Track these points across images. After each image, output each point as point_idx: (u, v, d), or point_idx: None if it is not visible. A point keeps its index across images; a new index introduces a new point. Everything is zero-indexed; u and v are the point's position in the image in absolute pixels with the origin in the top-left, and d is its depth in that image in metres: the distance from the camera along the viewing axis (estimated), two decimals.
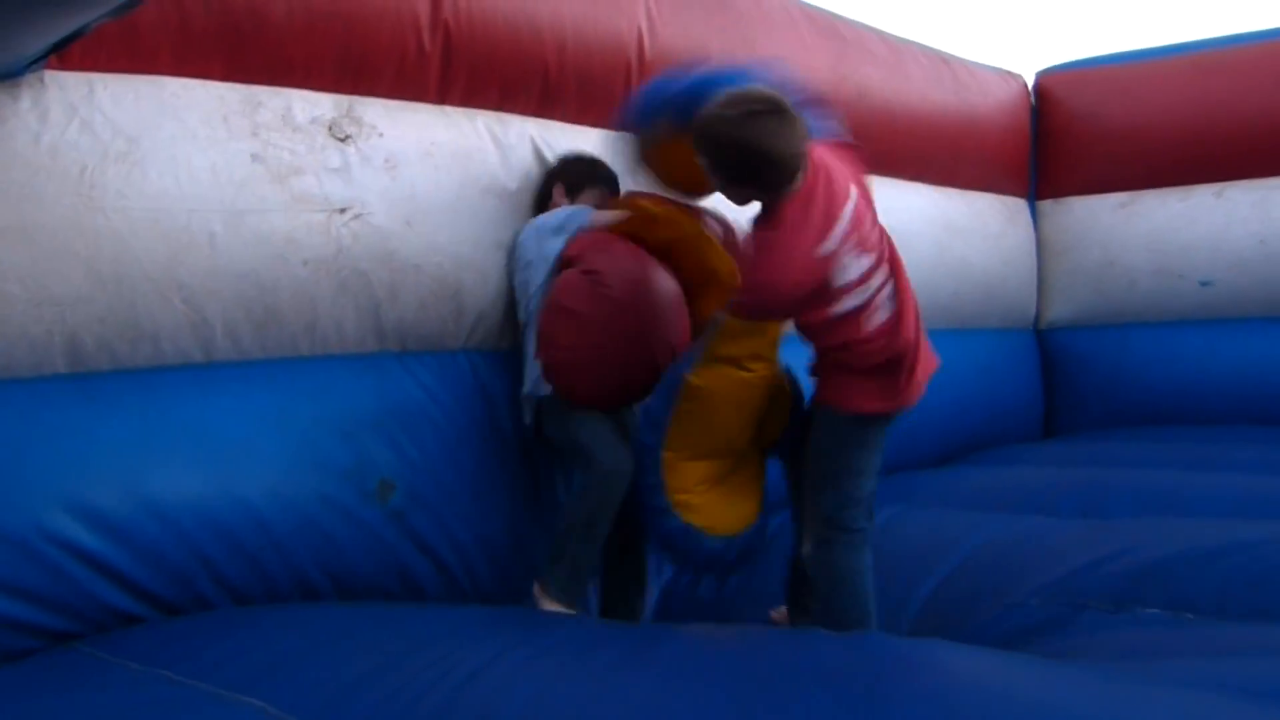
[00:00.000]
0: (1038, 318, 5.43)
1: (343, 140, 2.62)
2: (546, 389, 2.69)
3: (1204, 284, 5.01)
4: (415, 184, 2.73)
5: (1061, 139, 5.37)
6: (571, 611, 2.48)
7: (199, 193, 2.33)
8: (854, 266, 2.30)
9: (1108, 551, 2.63)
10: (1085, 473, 3.81)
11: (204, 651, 1.92)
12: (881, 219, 3.90)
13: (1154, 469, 3.79)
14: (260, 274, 2.43)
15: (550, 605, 2.48)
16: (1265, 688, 1.64)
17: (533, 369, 2.74)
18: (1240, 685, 1.67)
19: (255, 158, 2.43)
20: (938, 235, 4.56)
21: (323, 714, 1.60)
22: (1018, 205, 5.30)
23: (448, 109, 2.87)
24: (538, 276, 2.77)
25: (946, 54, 4.83)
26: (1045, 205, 5.46)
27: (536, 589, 2.53)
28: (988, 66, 5.11)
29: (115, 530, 2.17)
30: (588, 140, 3.12)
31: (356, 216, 2.61)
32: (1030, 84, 5.43)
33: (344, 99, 2.65)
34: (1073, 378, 5.31)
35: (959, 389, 4.61)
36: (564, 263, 2.70)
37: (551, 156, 3.05)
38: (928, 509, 3.42)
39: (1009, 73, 5.26)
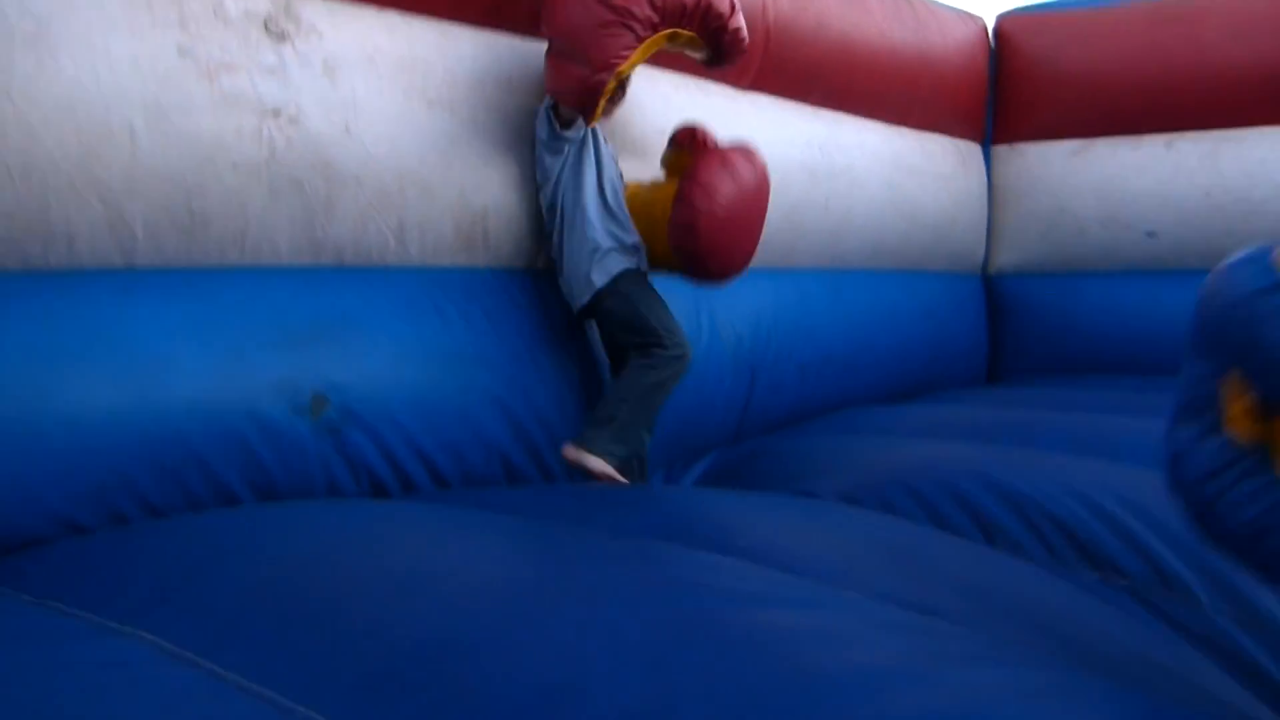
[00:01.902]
0: (986, 263, 5.37)
1: (279, 38, 2.43)
2: (623, 265, 2.87)
3: (1149, 235, 4.97)
4: (356, 90, 2.56)
5: (1018, 83, 5.27)
6: (610, 472, 2.69)
7: (118, 84, 2.14)
8: None
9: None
10: (1023, 413, 3.77)
11: (102, 576, 1.77)
12: (835, 155, 3.91)
13: (1091, 413, 3.76)
14: (186, 176, 2.25)
15: (594, 461, 2.68)
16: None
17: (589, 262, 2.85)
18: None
19: (182, 51, 2.24)
20: (889, 175, 4.46)
21: (214, 642, 1.48)
22: (971, 149, 5.21)
23: (390, 13, 2.69)
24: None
25: None
26: (1000, 150, 5.37)
27: (572, 450, 2.72)
28: (948, 6, 4.98)
29: (19, 443, 2.00)
30: (542, 55, 2.96)
31: (291, 121, 2.43)
32: (990, 26, 5.32)
33: None
34: (1019, 324, 5.28)
35: (904, 330, 4.56)
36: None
37: (502, 71, 2.89)
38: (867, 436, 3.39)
39: (969, 14, 5.13)
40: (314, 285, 2.52)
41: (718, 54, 2.91)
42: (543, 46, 2.93)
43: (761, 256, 3.87)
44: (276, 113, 2.40)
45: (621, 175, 3.05)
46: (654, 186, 3.08)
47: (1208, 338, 1.35)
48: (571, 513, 2.28)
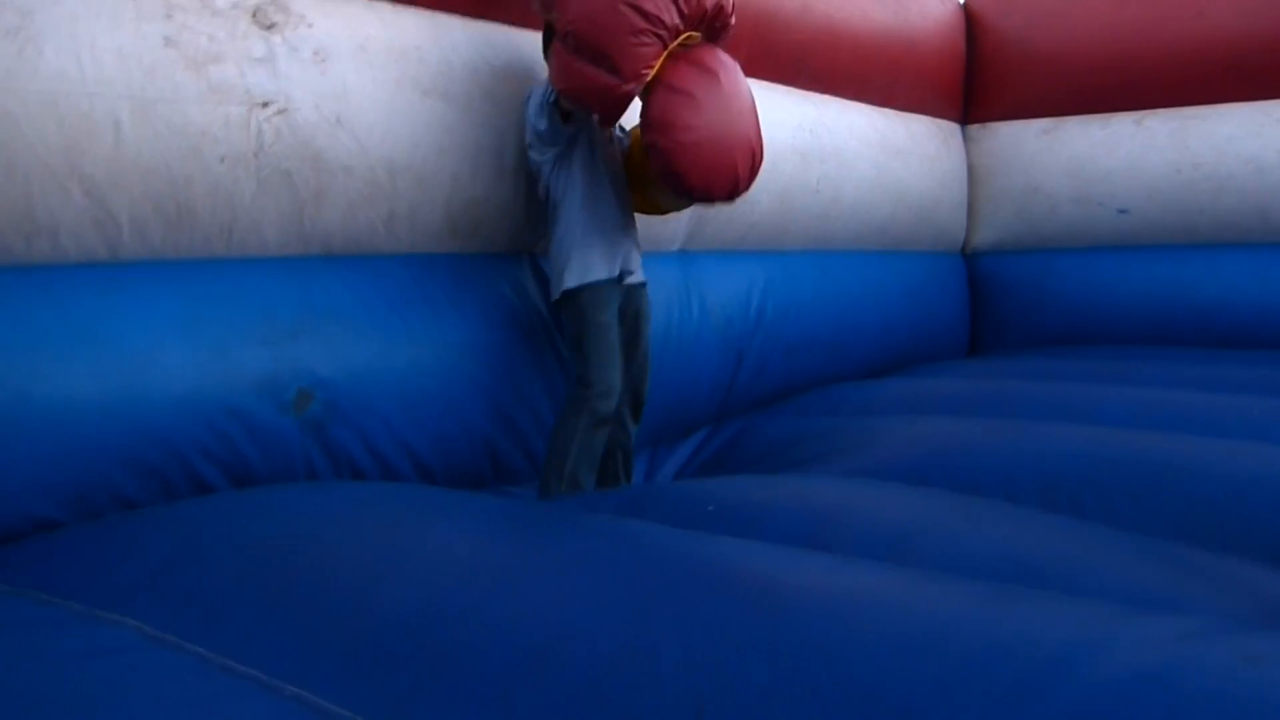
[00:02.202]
0: (965, 241, 5.38)
1: (268, 28, 2.32)
2: (596, 276, 2.71)
3: (1121, 212, 4.99)
4: (347, 80, 2.46)
5: (990, 63, 5.25)
6: None
7: (103, 76, 2.03)
8: None
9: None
10: (1004, 384, 3.79)
11: (83, 564, 1.71)
12: (825, 137, 3.80)
13: (1068, 382, 3.78)
14: (172, 168, 2.15)
15: None
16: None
17: (568, 256, 2.73)
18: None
19: (168, 42, 2.13)
20: (876, 156, 4.42)
21: (200, 626, 1.45)
22: (952, 129, 5.18)
23: (381, 3, 2.60)
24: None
25: None
26: (973, 130, 5.35)
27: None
28: None
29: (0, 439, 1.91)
30: (535, 43, 2.89)
31: (280, 112, 2.33)
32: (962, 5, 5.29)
33: None
34: (997, 300, 5.29)
35: (889, 308, 4.54)
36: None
37: (497, 60, 2.81)
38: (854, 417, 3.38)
39: None
40: (301, 276, 2.42)
41: (709, 41, 2.78)
42: (537, 36, 2.86)
43: (752, 239, 3.84)
44: (265, 104, 2.30)
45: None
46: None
47: None
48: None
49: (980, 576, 1.80)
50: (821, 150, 4.04)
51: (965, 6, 5.28)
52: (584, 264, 2.72)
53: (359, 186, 2.50)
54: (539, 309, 2.96)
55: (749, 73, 3.78)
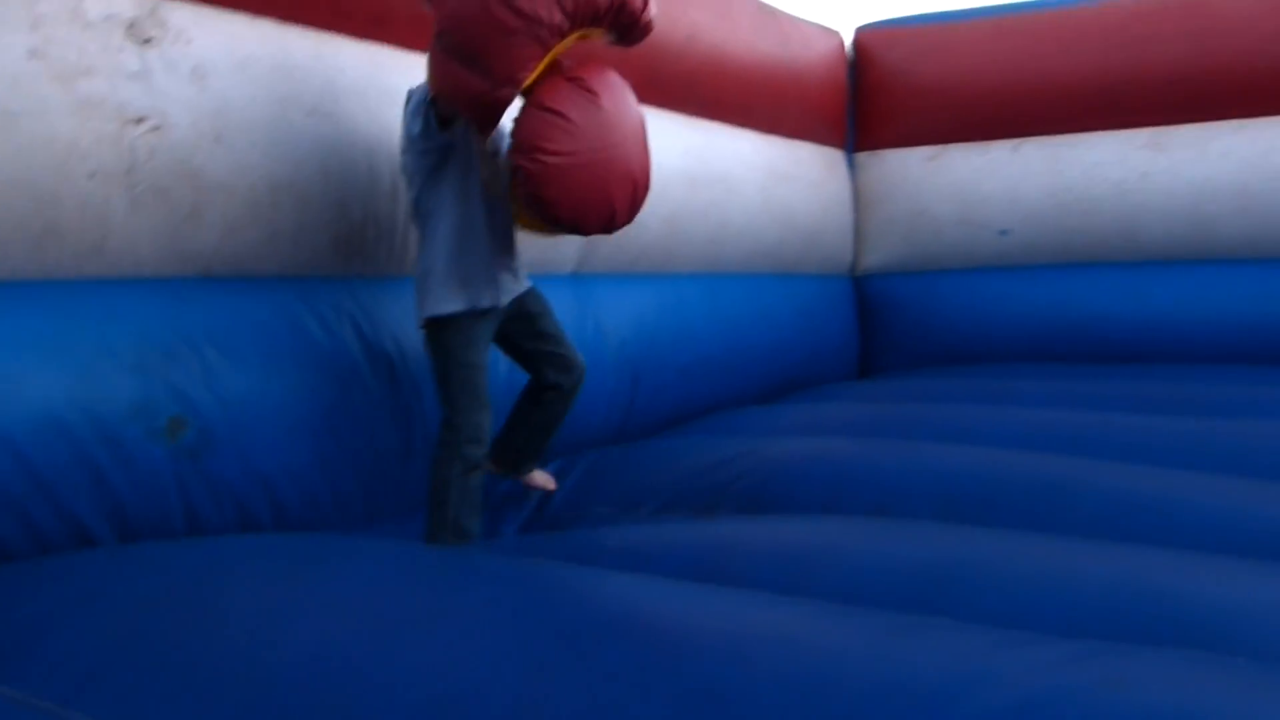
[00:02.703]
0: (854, 264, 5.52)
1: (144, 43, 2.27)
2: (455, 307, 2.47)
3: (1002, 233, 5.19)
4: (227, 97, 2.41)
5: (877, 93, 5.43)
6: None
7: None
8: None
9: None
10: (898, 407, 3.87)
11: None
12: (711, 164, 3.75)
13: (959, 404, 3.89)
14: (37, 184, 2.07)
15: None
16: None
17: (429, 280, 2.50)
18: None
19: (33, 53, 2.06)
20: (763, 182, 4.52)
21: (76, 691, 1.37)
22: (836, 156, 5.33)
23: (264, 21, 2.56)
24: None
25: (770, 5, 4.77)
26: (861, 157, 5.52)
27: None
28: (809, 21, 5.09)
29: None
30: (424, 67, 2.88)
31: (156, 128, 2.27)
32: (849, 40, 5.47)
33: None
34: (886, 321, 5.43)
35: (780, 331, 4.62)
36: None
37: (386, 82, 2.79)
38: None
39: (828, 28, 5.27)
40: (177, 298, 2.34)
41: (624, 41, 2.56)
42: (424, 58, 2.85)
43: (644, 262, 3.88)
44: (139, 119, 2.24)
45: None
46: None
47: None
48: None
49: (880, 597, 1.85)
50: (710, 175, 4.11)
51: (853, 40, 5.46)
52: (445, 292, 2.48)
53: (239, 206, 2.45)
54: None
55: (639, 99, 3.84)
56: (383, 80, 2.79)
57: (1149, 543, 2.17)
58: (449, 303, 2.49)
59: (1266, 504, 2.42)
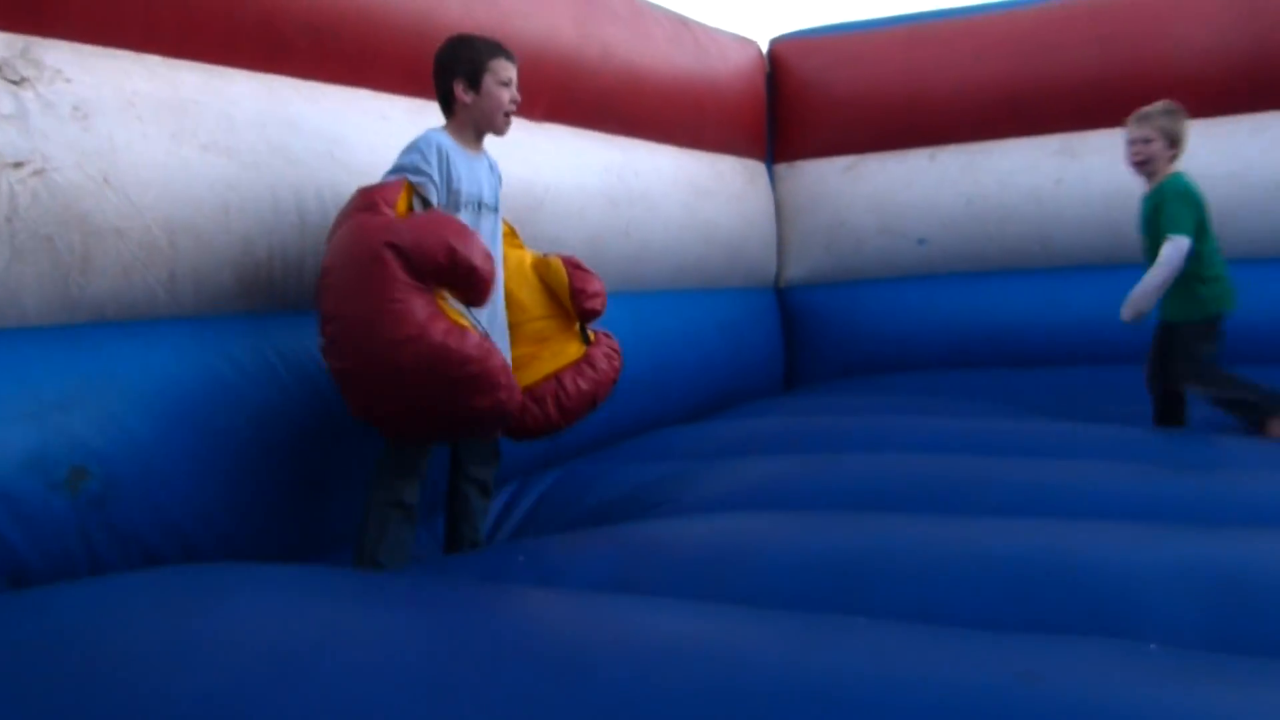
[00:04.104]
0: (778, 276, 5.53)
1: (17, 83, 2.14)
2: None
3: (920, 243, 5.25)
4: (114, 137, 2.29)
5: (793, 104, 5.45)
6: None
7: None
8: None
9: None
10: (824, 420, 3.89)
11: None
12: (632, 180, 3.81)
13: (883, 415, 3.93)
14: None
15: None
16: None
17: None
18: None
19: None
20: (685, 197, 4.49)
21: None
22: (757, 168, 5.33)
23: (150, 56, 2.44)
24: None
25: (685, 17, 4.75)
26: (780, 169, 5.54)
27: None
28: (724, 32, 5.08)
29: None
30: (328, 97, 2.80)
31: (37, 172, 2.15)
32: (764, 50, 5.48)
33: (18, 38, 2.17)
34: (810, 333, 5.45)
35: (705, 346, 4.61)
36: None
37: (286, 114, 2.69)
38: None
39: (745, 39, 5.27)
40: (70, 344, 2.22)
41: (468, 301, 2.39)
42: (328, 88, 2.77)
43: None
44: (18, 164, 2.11)
45: None
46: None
47: None
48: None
49: (796, 595, 1.85)
50: (630, 194, 4.07)
51: (768, 51, 5.47)
52: None
53: (133, 249, 2.33)
54: None
55: (553, 118, 3.79)
56: (282, 111, 2.68)
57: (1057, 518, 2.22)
58: None
59: (1169, 482, 2.49)
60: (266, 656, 1.42)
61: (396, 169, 2.46)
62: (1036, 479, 2.67)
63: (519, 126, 3.60)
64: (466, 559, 2.42)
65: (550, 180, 3.63)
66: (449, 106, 2.56)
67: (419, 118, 3.14)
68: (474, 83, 2.51)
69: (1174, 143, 3.42)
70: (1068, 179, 4.98)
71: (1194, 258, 3.33)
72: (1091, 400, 4.24)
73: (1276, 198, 4.58)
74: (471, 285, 2.30)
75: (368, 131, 2.92)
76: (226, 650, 1.44)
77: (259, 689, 1.33)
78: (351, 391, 2.35)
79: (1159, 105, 3.47)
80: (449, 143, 2.51)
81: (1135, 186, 4.85)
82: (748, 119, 5.15)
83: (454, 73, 2.51)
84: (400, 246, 2.20)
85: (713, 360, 4.64)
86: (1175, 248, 3.31)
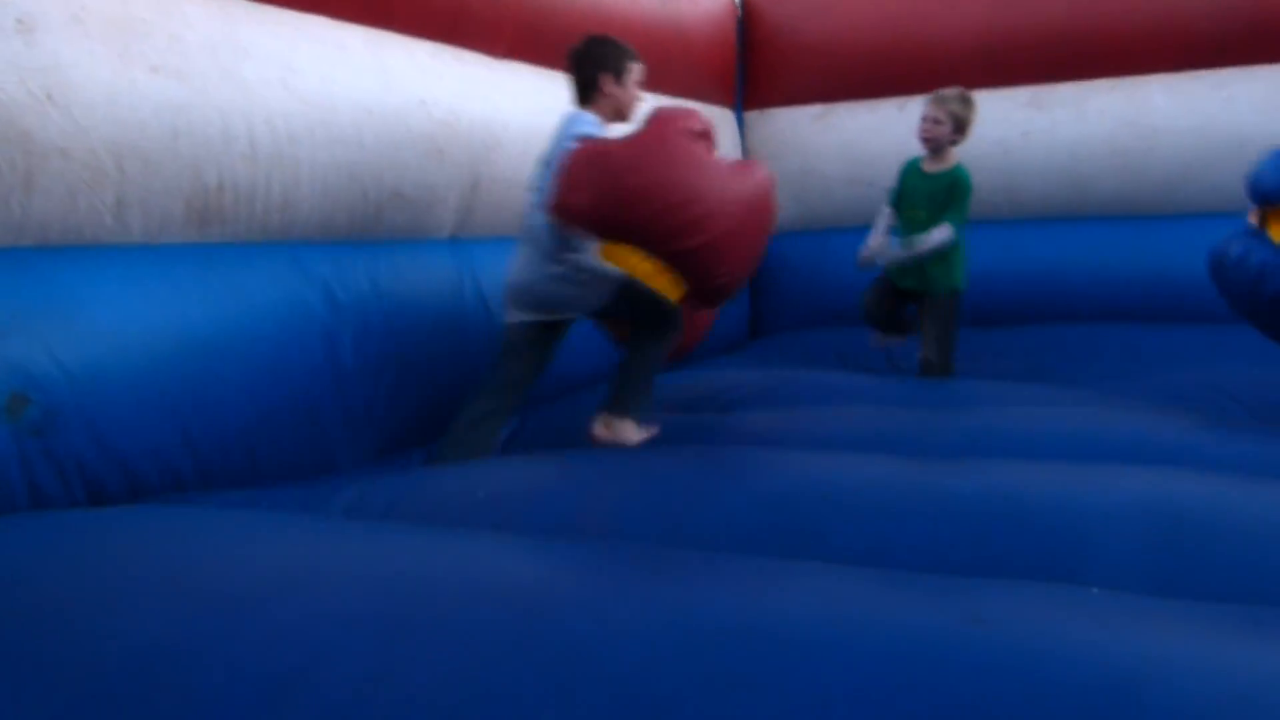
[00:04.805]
0: None
1: None
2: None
3: (869, 186, 5.22)
4: (59, 54, 2.23)
5: (764, 51, 5.40)
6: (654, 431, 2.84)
7: None
8: None
9: None
10: (777, 374, 3.91)
11: None
12: None
13: (837, 368, 3.96)
14: None
15: (636, 434, 2.79)
16: None
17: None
18: None
19: None
20: None
21: None
22: (725, 115, 5.29)
23: None
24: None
25: None
26: (751, 116, 5.50)
27: (603, 425, 2.79)
28: None
29: None
30: (282, 23, 2.74)
31: None
32: None
33: None
34: (777, 280, 5.45)
35: None
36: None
37: (240, 38, 2.64)
38: None
39: None
40: (10, 269, 2.18)
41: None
42: (287, 13, 2.71)
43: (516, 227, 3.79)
44: None
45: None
46: None
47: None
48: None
49: (750, 536, 1.86)
50: None
51: None
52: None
53: (78, 171, 2.29)
54: (302, 301, 2.82)
55: (516, 55, 3.74)
56: (234, 35, 2.63)
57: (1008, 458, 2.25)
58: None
59: (1118, 425, 2.53)
60: (214, 601, 1.39)
61: (583, 137, 2.70)
62: (987, 420, 2.70)
63: (480, 62, 3.56)
64: (414, 497, 2.31)
65: (510, 119, 3.59)
66: (588, 93, 2.89)
67: (377, 49, 3.10)
68: (619, 78, 2.89)
69: (960, 129, 3.73)
70: (1034, 131, 4.97)
71: (959, 241, 3.75)
72: (1053, 358, 4.27)
73: (1237, 153, 4.59)
74: None
75: (323, 60, 2.87)
76: (172, 596, 1.42)
77: (205, 634, 1.31)
78: (723, 259, 2.59)
79: (954, 91, 3.77)
80: (599, 124, 2.85)
81: (1099, 139, 4.87)
82: (717, 65, 5.10)
83: (604, 67, 2.89)
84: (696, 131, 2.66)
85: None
86: (947, 235, 3.70)
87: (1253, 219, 2.85)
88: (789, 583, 1.43)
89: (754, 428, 2.93)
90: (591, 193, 2.53)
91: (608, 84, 2.88)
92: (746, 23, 5.38)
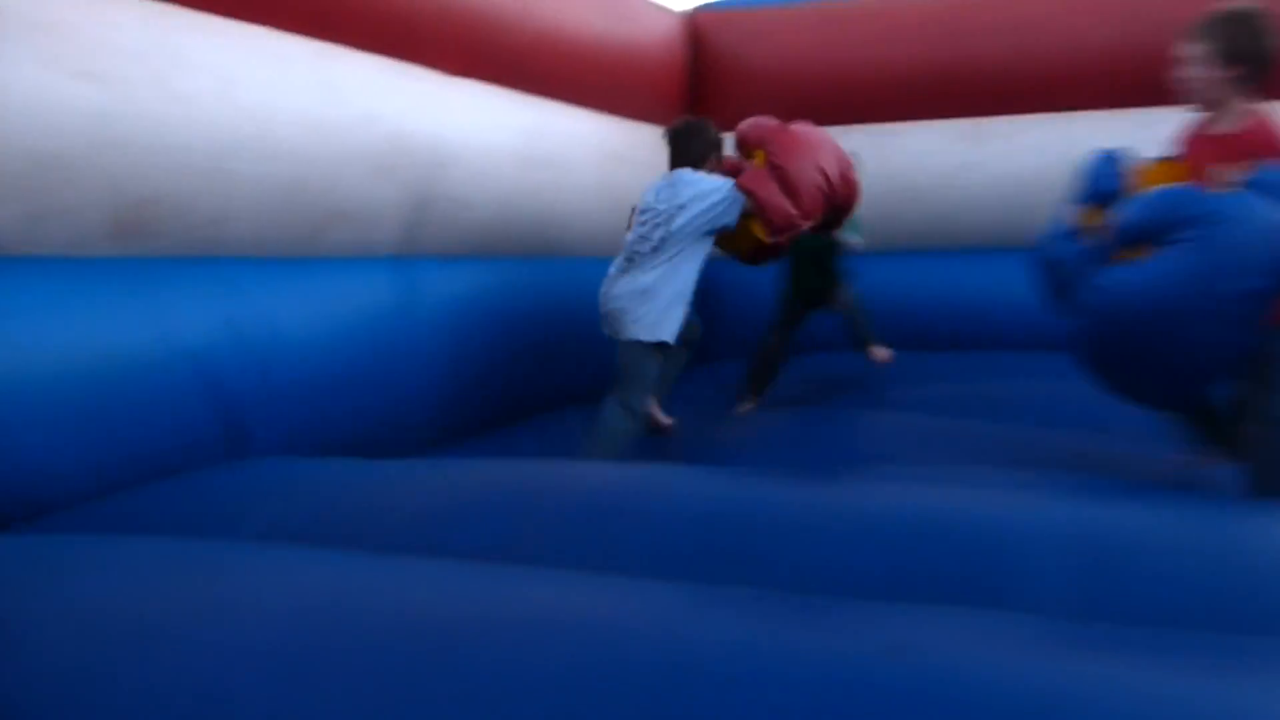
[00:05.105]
0: None
1: None
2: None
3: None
4: None
5: (712, 76, 5.36)
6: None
7: None
8: None
9: None
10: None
11: None
12: (546, 143, 3.78)
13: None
14: None
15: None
16: None
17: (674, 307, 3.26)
18: None
19: None
20: (600, 163, 4.37)
21: None
22: None
23: None
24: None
25: None
26: None
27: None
28: (644, 0, 4.97)
29: None
30: (222, 32, 2.60)
31: None
32: (685, 21, 5.38)
33: None
34: (724, 306, 5.40)
35: None
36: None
37: (174, 46, 2.48)
38: None
39: (665, 8, 5.16)
40: None
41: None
42: (225, 23, 2.58)
43: (470, 244, 3.68)
44: None
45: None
46: None
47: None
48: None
49: (680, 558, 1.79)
50: (543, 155, 3.94)
51: (690, 21, 5.37)
52: (674, 323, 3.25)
53: None
54: (232, 319, 2.66)
55: (469, 73, 3.64)
56: (170, 42, 2.48)
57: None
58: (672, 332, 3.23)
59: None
60: (119, 631, 1.33)
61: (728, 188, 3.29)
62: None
63: (429, 79, 3.45)
64: (320, 520, 2.14)
65: (459, 137, 3.48)
66: (698, 163, 3.41)
67: (323, 62, 2.97)
68: (719, 156, 3.51)
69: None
70: (972, 163, 5.03)
71: None
72: (986, 382, 4.29)
73: None
74: None
75: (265, 72, 2.73)
76: (73, 628, 1.34)
77: (105, 669, 1.25)
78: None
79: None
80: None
81: (1032, 172, 4.94)
82: (666, 88, 5.05)
83: (715, 147, 3.50)
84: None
85: None
86: None
87: (1074, 219, 2.65)
88: (709, 611, 1.40)
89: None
90: (809, 196, 3.34)
91: (713, 162, 3.44)
92: (695, 47, 5.34)
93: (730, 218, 3.26)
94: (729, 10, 5.41)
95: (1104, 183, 2.57)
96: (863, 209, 5.11)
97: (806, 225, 3.36)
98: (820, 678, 1.16)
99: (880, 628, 1.32)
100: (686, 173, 3.35)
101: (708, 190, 3.25)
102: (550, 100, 4.12)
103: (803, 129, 3.49)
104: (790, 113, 5.24)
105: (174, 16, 2.52)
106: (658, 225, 3.26)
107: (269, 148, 2.74)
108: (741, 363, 4.91)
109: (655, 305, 3.18)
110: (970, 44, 5.00)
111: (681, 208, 3.24)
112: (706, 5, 5.45)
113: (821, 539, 1.82)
